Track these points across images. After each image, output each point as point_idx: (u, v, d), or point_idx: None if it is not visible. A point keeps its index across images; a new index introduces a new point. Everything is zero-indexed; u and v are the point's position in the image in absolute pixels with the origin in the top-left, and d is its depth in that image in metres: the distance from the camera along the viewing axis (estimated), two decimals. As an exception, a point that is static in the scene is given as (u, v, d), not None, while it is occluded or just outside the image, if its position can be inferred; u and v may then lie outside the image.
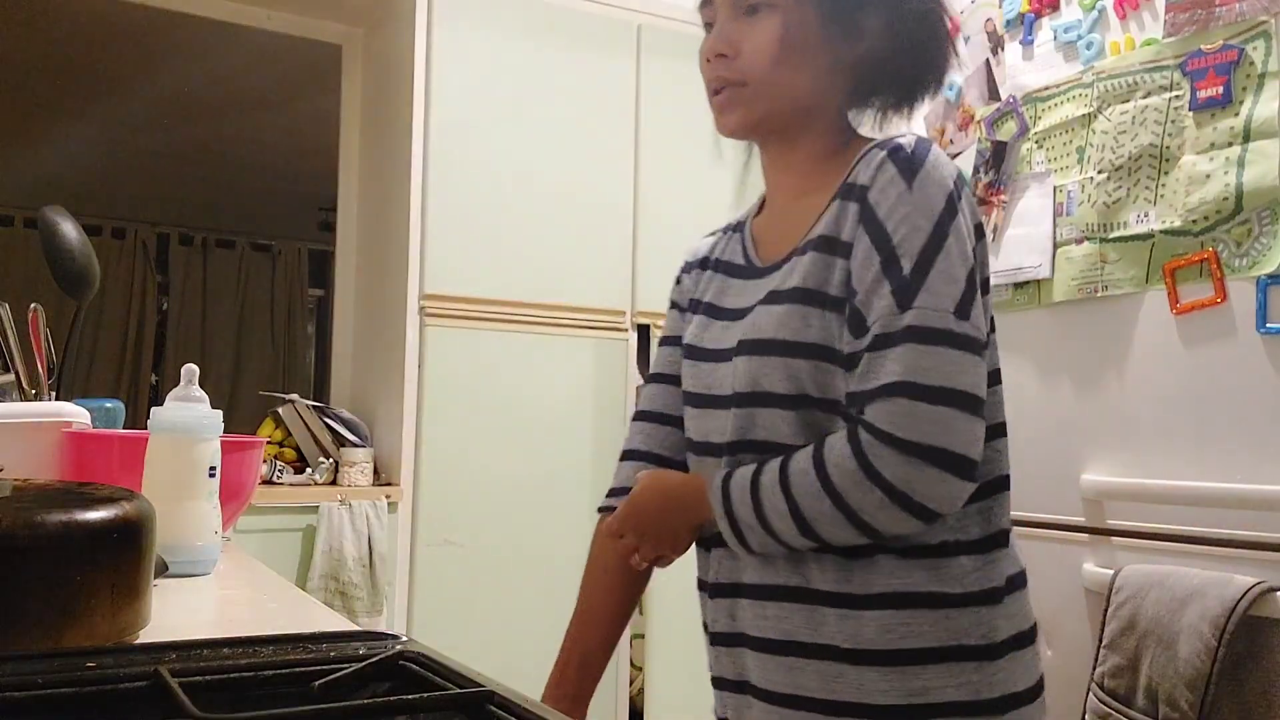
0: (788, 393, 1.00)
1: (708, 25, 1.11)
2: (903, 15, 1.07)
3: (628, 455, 1.20)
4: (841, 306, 0.98)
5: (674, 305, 1.26)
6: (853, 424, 0.94)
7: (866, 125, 1.13)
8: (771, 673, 1.01)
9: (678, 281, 1.26)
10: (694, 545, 1.11)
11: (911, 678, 0.95)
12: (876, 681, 0.95)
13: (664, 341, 1.24)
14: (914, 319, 0.92)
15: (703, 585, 1.12)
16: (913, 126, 1.31)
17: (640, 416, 1.22)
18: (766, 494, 0.97)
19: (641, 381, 3.05)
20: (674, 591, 2.92)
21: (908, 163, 0.98)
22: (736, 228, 1.21)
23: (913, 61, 1.09)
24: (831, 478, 0.92)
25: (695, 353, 1.12)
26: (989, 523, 1.01)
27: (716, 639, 1.09)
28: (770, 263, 1.09)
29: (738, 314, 1.09)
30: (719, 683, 1.10)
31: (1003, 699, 1.00)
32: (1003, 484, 1.04)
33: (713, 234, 1.26)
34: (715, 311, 1.13)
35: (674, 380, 1.18)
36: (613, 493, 1.19)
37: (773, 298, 1.04)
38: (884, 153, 1.00)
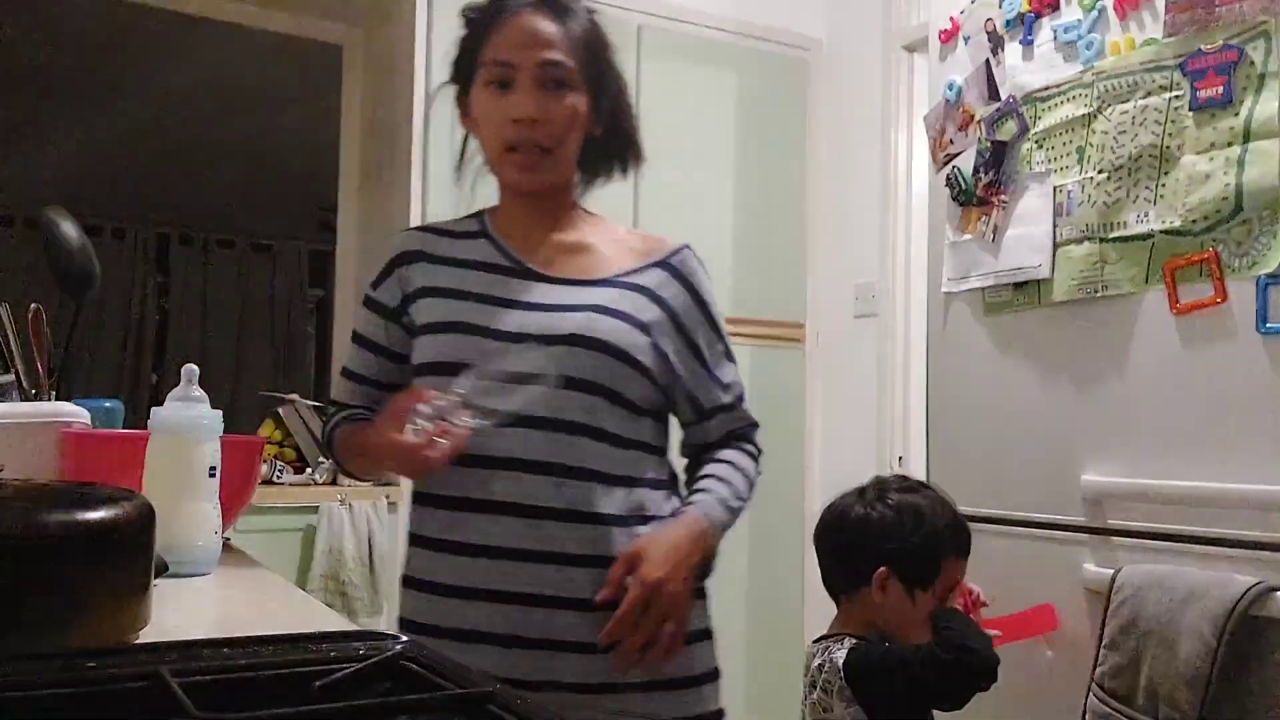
0: (604, 385, 1.23)
1: (501, 84, 1.25)
2: (613, 100, 1.34)
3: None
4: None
5: (373, 304, 1.37)
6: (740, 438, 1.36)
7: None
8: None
9: (391, 275, 1.35)
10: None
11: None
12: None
13: (360, 341, 1.39)
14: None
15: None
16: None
17: (353, 377, 1.39)
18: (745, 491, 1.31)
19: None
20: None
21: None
22: (467, 235, 1.36)
23: (620, 139, 1.36)
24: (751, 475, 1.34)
25: (483, 332, 1.24)
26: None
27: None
28: (559, 275, 1.29)
29: (538, 307, 1.26)
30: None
31: None
32: None
33: (409, 230, 1.43)
34: (495, 301, 1.27)
35: (369, 381, 1.37)
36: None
37: (600, 310, 1.25)
38: (694, 256, 1.36)
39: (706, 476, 1.30)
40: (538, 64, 1.25)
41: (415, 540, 1.29)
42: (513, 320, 1.25)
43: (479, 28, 1.29)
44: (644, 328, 1.26)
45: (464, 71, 1.32)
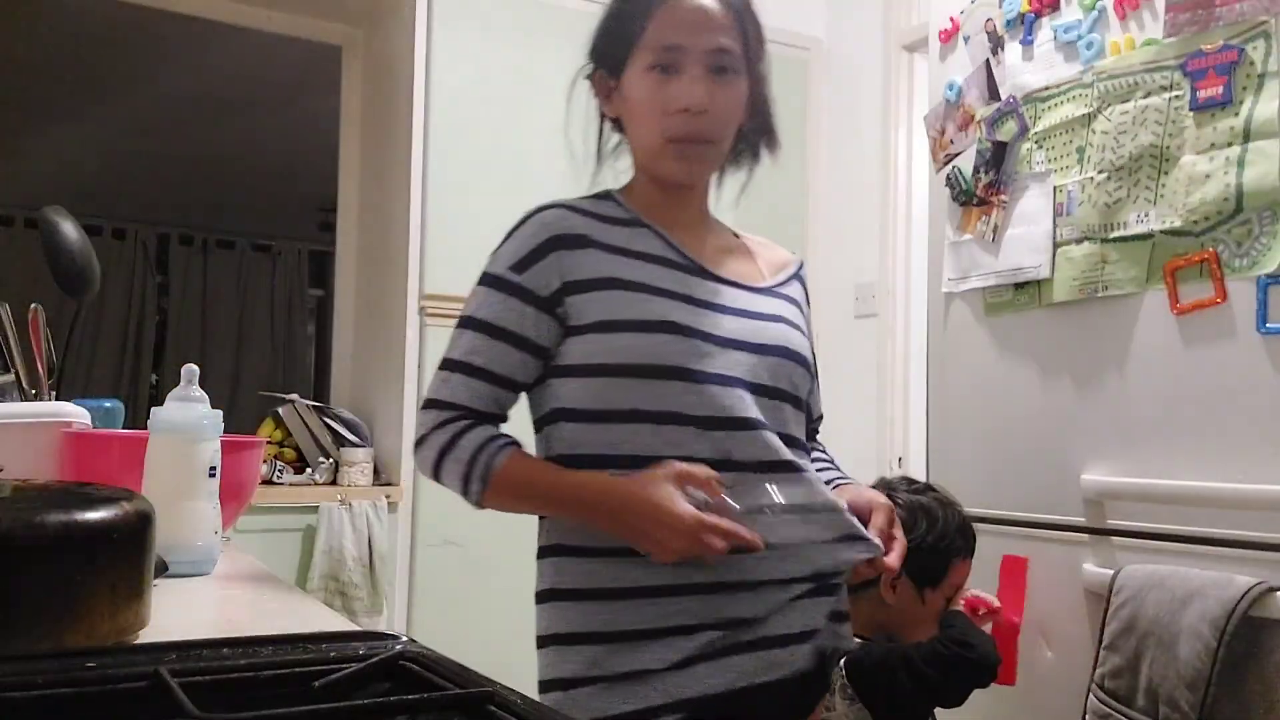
0: (799, 395, 1.24)
1: (665, 69, 1.16)
2: (763, 86, 1.25)
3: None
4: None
5: (517, 289, 1.17)
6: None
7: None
8: None
9: (542, 260, 1.17)
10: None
11: None
12: None
13: (502, 335, 1.17)
14: None
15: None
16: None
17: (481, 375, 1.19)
18: None
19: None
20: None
21: None
22: (628, 222, 1.23)
23: (761, 128, 1.28)
24: None
25: (697, 334, 1.15)
26: None
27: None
28: (731, 279, 1.24)
29: (738, 313, 1.20)
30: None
31: None
32: None
33: (553, 207, 1.22)
34: (694, 301, 1.18)
35: (502, 380, 1.18)
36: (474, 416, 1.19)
37: (786, 322, 1.25)
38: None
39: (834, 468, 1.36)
40: (708, 49, 1.16)
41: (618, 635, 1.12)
42: (722, 324, 1.18)
43: (639, 6, 1.19)
44: (811, 342, 1.29)
45: (616, 53, 1.21)
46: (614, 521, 1.10)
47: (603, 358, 1.14)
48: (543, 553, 1.22)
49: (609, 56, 1.22)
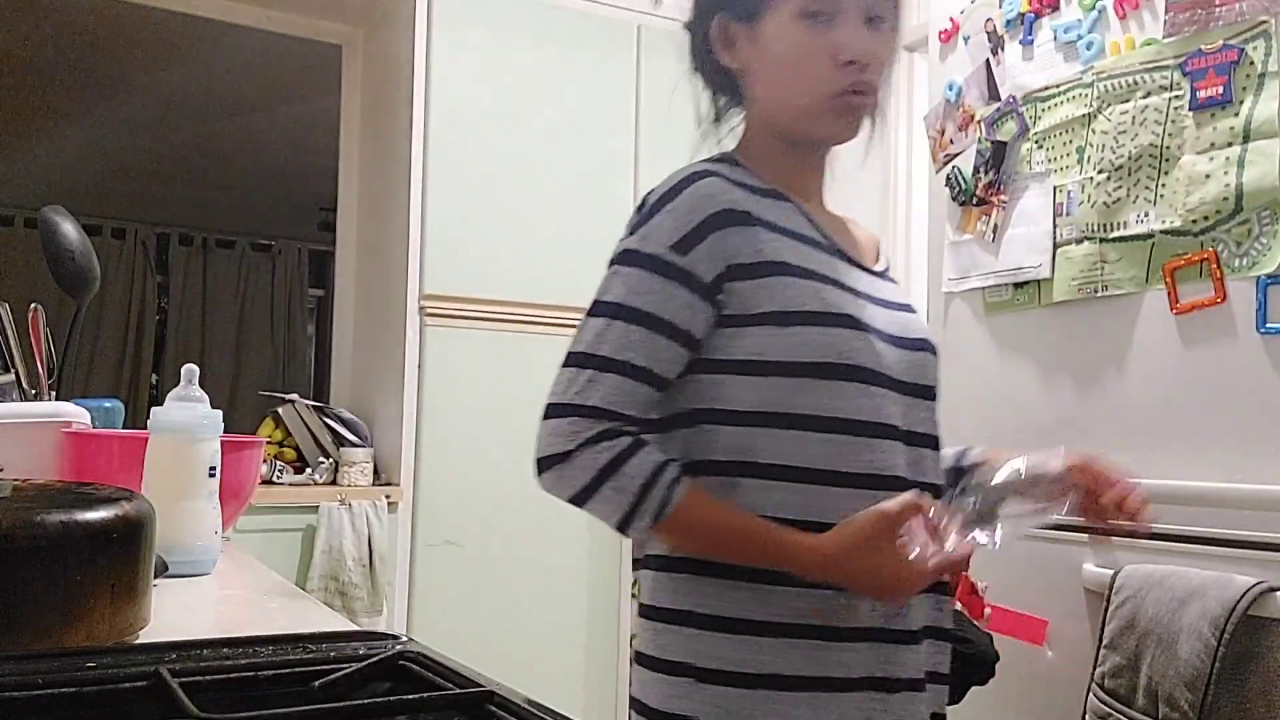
0: (937, 395, 1.10)
1: (817, 15, 1.03)
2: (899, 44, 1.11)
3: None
4: None
5: (681, 273, 1.00)
6: None
7: None
8: None
9: (707, 239, 1.00)
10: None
11: None
12: None
13: (664, 328, 1.00)
14: None
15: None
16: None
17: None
18: None
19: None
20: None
21: None
22: (769, 193, 1.07)
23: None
24: None
25: (869, 329, 1.03)
26: None
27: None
28: (862, 264, 1.11)
29: (884, 304, 1.08)
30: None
31: None
32: None
33: (709, 174, 1.06)
34: (849, 290, 1.04)
35: (660, 382, 1.01)
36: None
37: (912, 310, 1.12)
38: None
39: None
40: None
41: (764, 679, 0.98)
42: (879, 318, 1.05)
43: None
44: None
45: None
46: (835, 577, 0.97)
47: (776, 354, 0.99)
48: (665, 564, 1.04)
49: (741, 1, 1.08)
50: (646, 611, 1.05)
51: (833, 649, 0.98)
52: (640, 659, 1.05)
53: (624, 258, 1.03)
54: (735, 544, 0.98)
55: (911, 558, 0.91)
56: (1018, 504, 1.00)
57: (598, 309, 1.02)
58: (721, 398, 1.01)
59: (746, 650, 0.97)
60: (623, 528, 0.99)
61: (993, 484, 1.00)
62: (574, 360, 1.00)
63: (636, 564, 1.12)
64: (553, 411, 0.99)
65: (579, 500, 0.98)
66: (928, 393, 1.08)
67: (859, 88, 1.04)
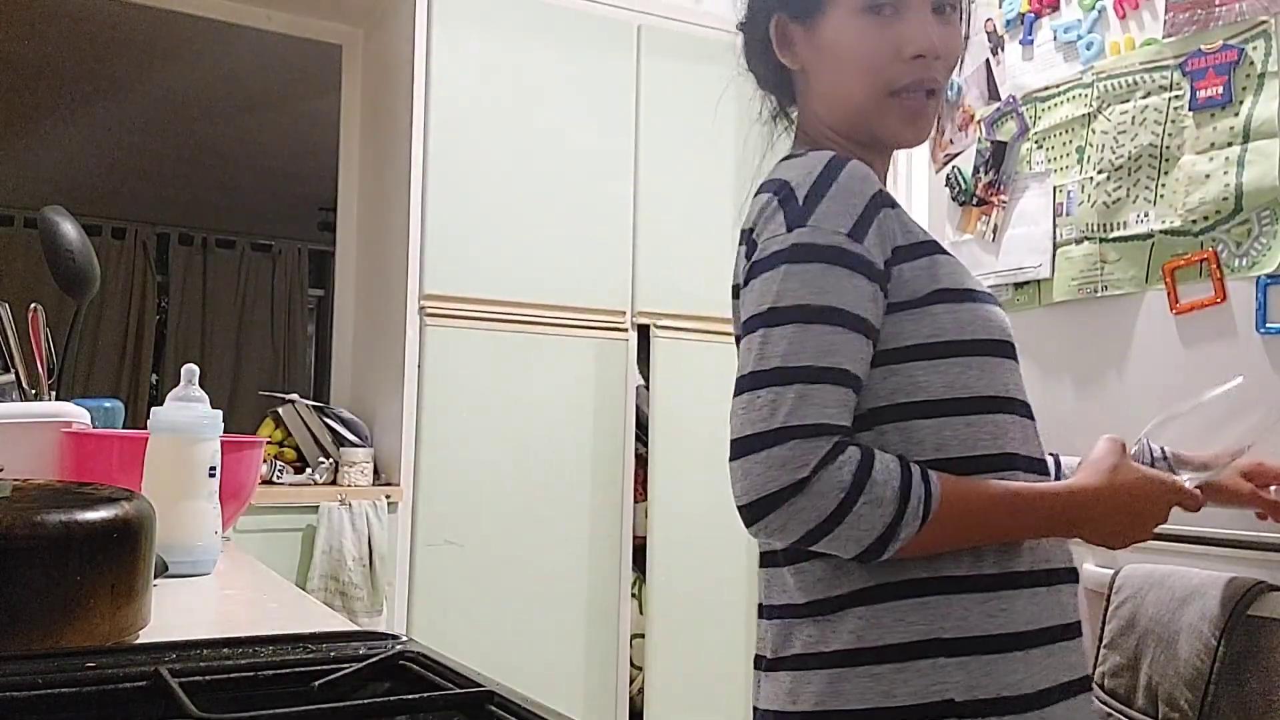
0: None
1: (881, 8, 0.98)
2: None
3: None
4: None
5: (864, 263, 0.91)
6: None
7: None
8: None
9: (874, 223, 0.93)
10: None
11: None
12: None
13: (854, 323, 0.90)
14: None
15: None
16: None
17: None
18: None
19: (642, 382, 3.05)
20: (675, 593, 2.92)
21: None
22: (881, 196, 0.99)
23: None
24: None
25: (989, 299, 1.00)
26: None
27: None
28: None
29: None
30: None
31: None
32: None
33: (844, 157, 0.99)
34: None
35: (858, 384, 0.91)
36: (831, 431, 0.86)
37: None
38: None
39: None
40: None
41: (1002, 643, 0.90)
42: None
43: None
44: None
45: None
46: (1090, 523, 0.93)
47: (954, 333, 0.93)
48: (875, 595, 0.91)
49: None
50: (848, 658, 0.90)
51: (1070, 648, 0.96)
52: (848, 716, 0.89)
53: (796, 254, 0.90)
54: (1004, 515, 0.89)
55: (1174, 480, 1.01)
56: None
57: (781, 315, 0.88)
58: (915, 389, 0.93)
59: (1014, 669, 0.89)
60: (880, 546, 0.86)
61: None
62: (768, 379, 0.87)
63: (780, 611, 0.97)
64: (759, 443, 0.85)
65: (822, 531, 0.85)
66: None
67: (929, 85, 0.99)
